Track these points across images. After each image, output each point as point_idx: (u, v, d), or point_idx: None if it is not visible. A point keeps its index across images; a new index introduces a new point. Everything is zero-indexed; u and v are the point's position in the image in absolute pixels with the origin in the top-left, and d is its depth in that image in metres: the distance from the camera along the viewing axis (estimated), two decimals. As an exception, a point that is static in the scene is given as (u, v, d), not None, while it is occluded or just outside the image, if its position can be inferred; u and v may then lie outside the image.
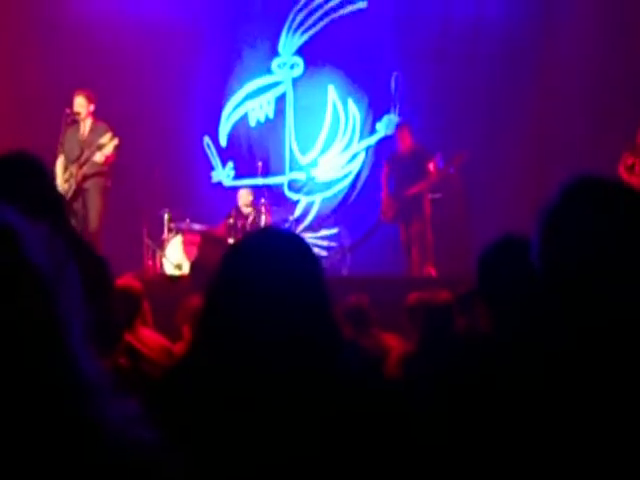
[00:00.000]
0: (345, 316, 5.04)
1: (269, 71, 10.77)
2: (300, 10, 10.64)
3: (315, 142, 10.75)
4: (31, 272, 0.95)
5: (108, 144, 8.42)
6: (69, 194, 8.50)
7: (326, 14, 10.58)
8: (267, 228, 2.10)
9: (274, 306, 1.72)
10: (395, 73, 10.38)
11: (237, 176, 10.72)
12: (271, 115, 10.82)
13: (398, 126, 9.51)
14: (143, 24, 10.42)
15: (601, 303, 1.52)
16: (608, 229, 1.55)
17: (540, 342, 1.62)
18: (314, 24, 10.63)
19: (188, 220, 9.44)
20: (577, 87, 9.65)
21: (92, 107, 8.64)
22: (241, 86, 10.78)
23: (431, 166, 8.89)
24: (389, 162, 9.32)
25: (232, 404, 1.67)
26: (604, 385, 1.46)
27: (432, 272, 8.69)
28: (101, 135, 8.48)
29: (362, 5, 10.47)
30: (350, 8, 10.49)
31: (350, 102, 10.65)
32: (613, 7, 9.62)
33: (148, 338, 4.13)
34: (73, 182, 8.56)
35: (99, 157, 8.38)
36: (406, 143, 9.10)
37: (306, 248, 1.82)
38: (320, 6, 10.57)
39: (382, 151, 10.18)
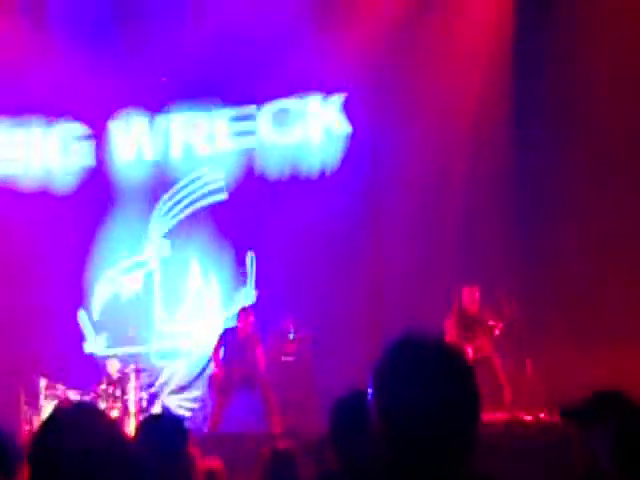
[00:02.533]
0: None
1: (140, 251, 11.67)
2: (168, 199, 11.70)
3: (179, 314, 11.47)
4: None
5: None
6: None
7: (191, 203, 11.64)
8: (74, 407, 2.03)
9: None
10: (250, 252, 11.23)
11: (109, 345, 11.29)
12: (140, 290, 11.59)
13: (241, 309, 10.09)
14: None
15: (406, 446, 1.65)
16: (421, 387, 1.66)
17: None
18: (181, 211, 11.67)
19: (63, 387, 9.89)
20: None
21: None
22: (114, 264, 11.64)
23: (259, 350, 9.56)
24: (223, 337, 9.87)
25: None
26: None
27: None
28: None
29: (222, 197, 11.57)
30: (212, 199, 11.61)
31: (212, 277, 11.44)
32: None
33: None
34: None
35: None
36: (247, 325, 9.72)
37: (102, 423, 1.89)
38: (185, 197, 11.64)
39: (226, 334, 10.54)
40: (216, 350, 9.84)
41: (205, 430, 10.17)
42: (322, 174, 11.30)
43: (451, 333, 9.14)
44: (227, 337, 9.88)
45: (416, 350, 1.70)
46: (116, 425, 1.89)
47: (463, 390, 1.69)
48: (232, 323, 10.61)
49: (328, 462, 3.04)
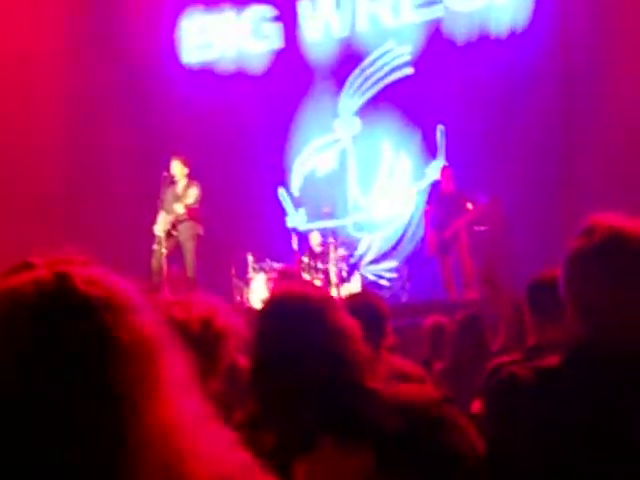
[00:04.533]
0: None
1: (331, 130, 12.05)
2: (356, 77, 11.87)
3: (374, 188, 11.86)
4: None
5: (189, 197, 9.99)
6: (165, 240, 10.08)
7: (379, 80, 11.75)
8: (284, 296, 1.97)
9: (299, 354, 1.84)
10: (440, 126, 11.30)
11: (308, 220, 11.92)
12: (335, 167, 12.05)
13: (442, 169, 10.47)
14: (230, 98, 11.99)
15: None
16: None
17: None
18: (369, 88, 11.82)
19: (269, 260, 10.67)
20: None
21: (186, 170, 10.23)
22: (308, 143, 12.11)
23: (469, 205, 9.93)
24: (430, 202, 10.33)
25: None
26: None
27: (474, 295, 9.50)
28: (190, 190, 10.06)
29: (409, 71, 11.61)
30: (399, 74, 11.67)
31: (402, 152, 11.69)
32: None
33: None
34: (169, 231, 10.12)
35: (179, 208, 9.87)
36: (449, 184, 10.12)
37: (317, 309, 1.90)
38: (373, 73, 11.75)
39: (431, 193, 10.94)
40: (427, 217, 10.31)
41: (402, 299, 10.80)
42: (511, 36, 11.01)
43: None
44: (432, 194, 10.34)
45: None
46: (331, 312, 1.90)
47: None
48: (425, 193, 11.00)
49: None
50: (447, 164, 10.60)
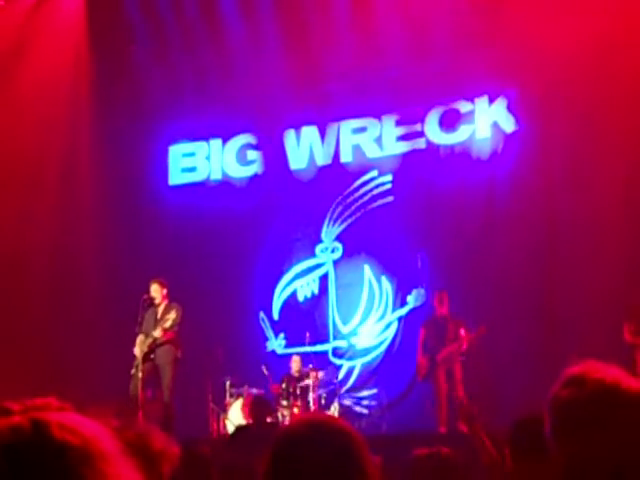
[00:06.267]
0: None
1: (313, 255, 12.18)
2: (338, 204, 12.09)
3: (354, 314, 11.83)
4: None
5: (167, 320, 9.91)
6: (142, 364, 9.94)
7: (359, 208, 11.98)
8: (309, 421, 1.94)
9: None
10: (419, 253, 11.37)
11: (287, 345, 11.90)
12: (316, 291, 12.08)
13: (437, 292, 10.27)
14: (214, 219, 12.16)
15: None
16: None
17: None
18: (350, 215, 12.02)
19: (247, 385, 10.54)
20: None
21: (165, 291, 10.21)
22: (290, 268, 12.19)
23: (462, 331, 9.77)
24: (426, 326, 10.11)
25: None
26: None
27: (463, 429, 9.06)
28: (169, 314, 9.99)
29: (389, 199, 11.84)
30: (379, 202, 11.88)
31: (383, 279, 11.73)
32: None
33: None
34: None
35: (157, 332, 9.74)
36: (444, 308, 9.99)
37: (347, 439, 1.82)
38: (355, 201, 11.99)
39: (412, 320, 11.16)
40: (421, 341, 10.12)
41: (382, 429, 10.60)
42: (492, 156, 11.29)
43: None
44: (429, 325, 10.13)
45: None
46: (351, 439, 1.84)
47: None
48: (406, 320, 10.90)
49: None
50: (443, 289, 10.47)
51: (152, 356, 9.87)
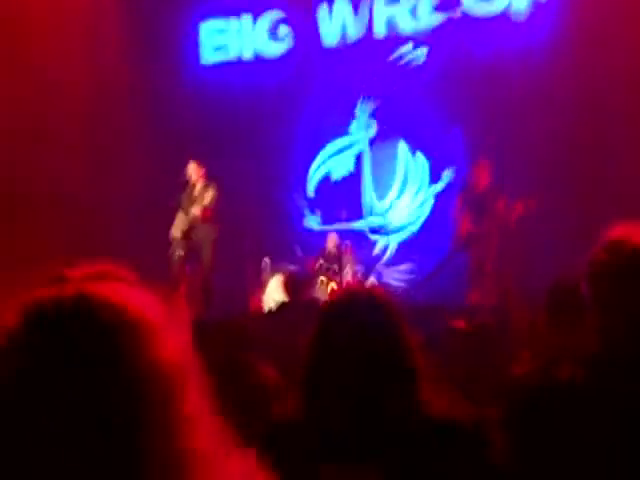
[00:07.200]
0: None
1: (348, 132, 12.11)
2: (372, 79, 11.84)
3: (390, 190, 11.88)
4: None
5: (205, 198, 10.02)
6: (181, 242, 10.14)
7: (393, 83, 11.74)
8: (350, 294, 1.95)
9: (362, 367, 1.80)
10: (455, 129, 11.28)
11: (324, 222, 12.00)
12: (352, 169, 12.08)
13: (477, 163, 9.97)
14: (248, 97, 12.07)
15: None
16: None
17: None
18: (384, 91, 11.82)
19: (285, 263, 10.72)
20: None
21: (202, 171, 10.32)
22: (325, 145, 12.17)
23: (503, 204, 9.47)
24: (465, 196, 9.88)
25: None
26: None
27: (492, 301, 9.13)
28: (207, 193, 10.11)
29: (424, 73, 11.56)
30: (414, 77, 11.63)
31: (418, 154, 11.70)
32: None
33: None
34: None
35: (195, 210, 9.98)
36: (484, 179, 9.76)
37: (385, 308, 1.89)
38: (388, 76, 11.75)
39: (447, 197, 11.12)
40: (459, 209, 9.94)
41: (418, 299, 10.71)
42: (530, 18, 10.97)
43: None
44: (469, 196, 9.89)
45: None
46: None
47: None
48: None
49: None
50: (482, 158, 10.10)
51: (192, 235, 10.06)
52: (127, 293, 1.03)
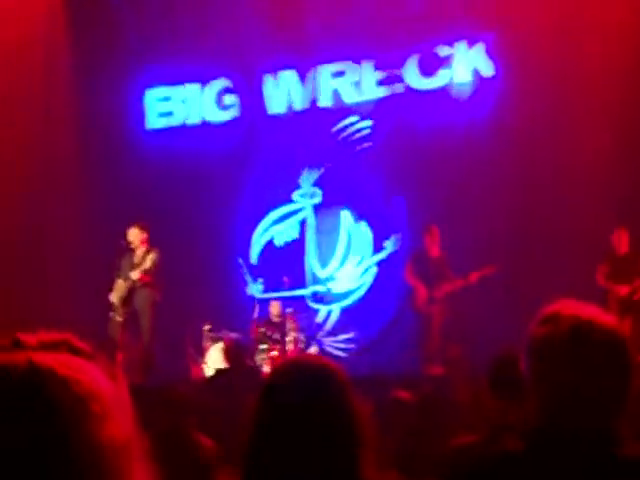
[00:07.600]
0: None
1: (291, 200, 12.18)
2: (317, 149, 11.99)
3: (332, 259, 11.92)
4: None
5: (146, 262, 9.91)
6: (120, 308, 9.99)
7: (338, 153, 11.91)
8: (296, 363, 1.92)
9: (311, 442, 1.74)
10: (399, 198, 11.43)
11: (267, 289, 11.96)
12: (295, 237, 12.11)
13: (429, 228, 9.95)
14: (192, 163, 12.10)
15: None
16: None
17: None
18: (329, 161, 11.98)
19: (225, 330, 10.55)
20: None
21: (144, 236, 10.20)
22: (269, 213, 12.20)
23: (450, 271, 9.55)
24: (415, 262, 9.90)
25: None
26: None
27: (440, 370, 9.20)
28: (147, 257, 9.99)
29: (368, 145, 11.76)
30: (358, 147, 11.82)
31: (362, 223, 11.78)
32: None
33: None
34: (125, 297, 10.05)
35: (135, 275, 9.86)
36: (435, 246, 9.83)
37: (333, 378, 1.82)
38: (333, 146, 11.92)
39: (390, 265, 11.25)
40: (410, 274, 9.88)
41: (359, 372, 10.67)
42: (470, 123, 11.24)
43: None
44: (417, 261, 9.90)
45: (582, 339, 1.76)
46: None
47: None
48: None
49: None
50: (432, 224, 10.15)
51: (131, 301, 9.92)
52: (79, 366, 0.99)
